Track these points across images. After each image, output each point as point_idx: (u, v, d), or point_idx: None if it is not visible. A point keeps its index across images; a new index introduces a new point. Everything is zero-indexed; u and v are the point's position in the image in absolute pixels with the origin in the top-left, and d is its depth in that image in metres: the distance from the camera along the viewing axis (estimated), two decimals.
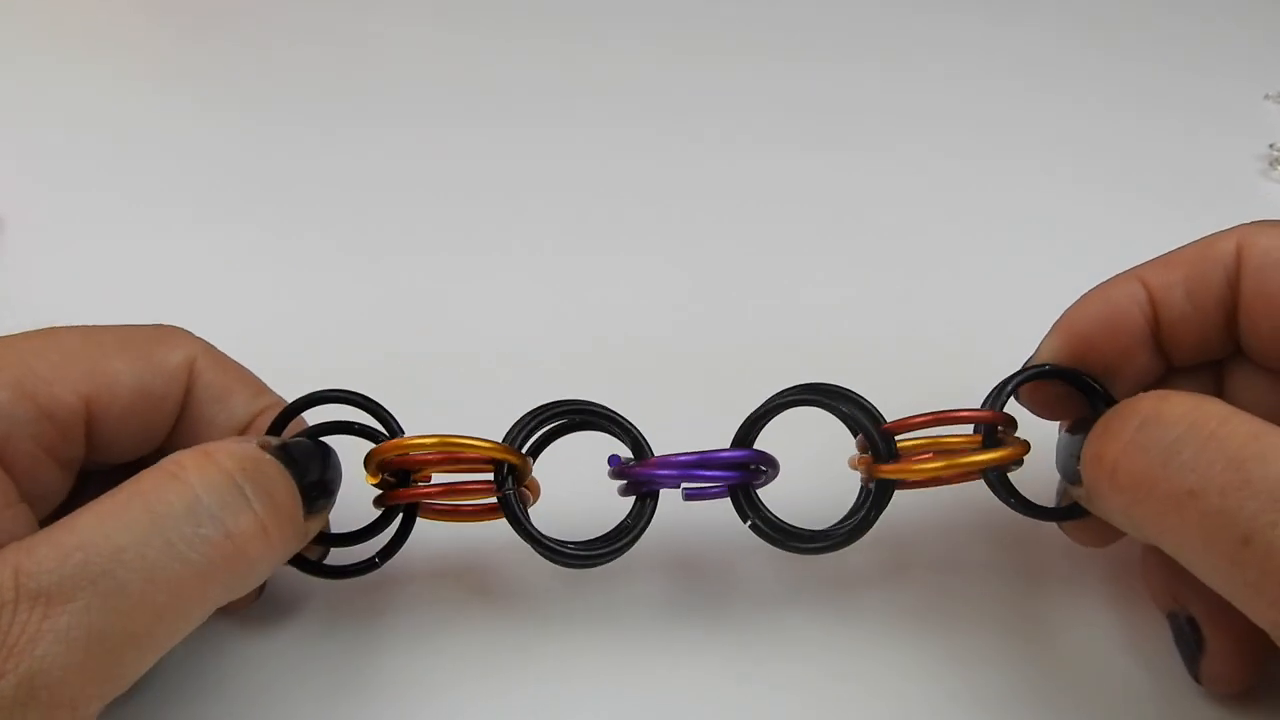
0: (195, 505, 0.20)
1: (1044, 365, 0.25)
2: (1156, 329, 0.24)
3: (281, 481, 0.22)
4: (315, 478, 0.23)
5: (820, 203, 0.41)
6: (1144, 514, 0.21)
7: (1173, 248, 0.24)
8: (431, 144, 0.45)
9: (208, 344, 0.26)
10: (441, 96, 0.48)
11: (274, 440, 0.23)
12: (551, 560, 0.25)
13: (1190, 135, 0.45)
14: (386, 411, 0.26)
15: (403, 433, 0.25)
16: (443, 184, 0.42)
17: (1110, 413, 0.22)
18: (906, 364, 0.34)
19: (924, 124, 0.45)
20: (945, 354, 0.34)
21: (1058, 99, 0.47)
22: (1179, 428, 0.20)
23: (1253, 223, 0.24)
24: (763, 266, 0.38)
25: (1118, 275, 0.25)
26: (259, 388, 0.26)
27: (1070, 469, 0.23)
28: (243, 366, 0.26)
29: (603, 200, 0.41)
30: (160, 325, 0.26)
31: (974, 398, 0.25)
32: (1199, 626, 0.23)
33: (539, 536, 0.25)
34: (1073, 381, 0.25)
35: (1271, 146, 0.43)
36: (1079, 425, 0.24)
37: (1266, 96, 0.47)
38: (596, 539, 0.25)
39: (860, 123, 0.46)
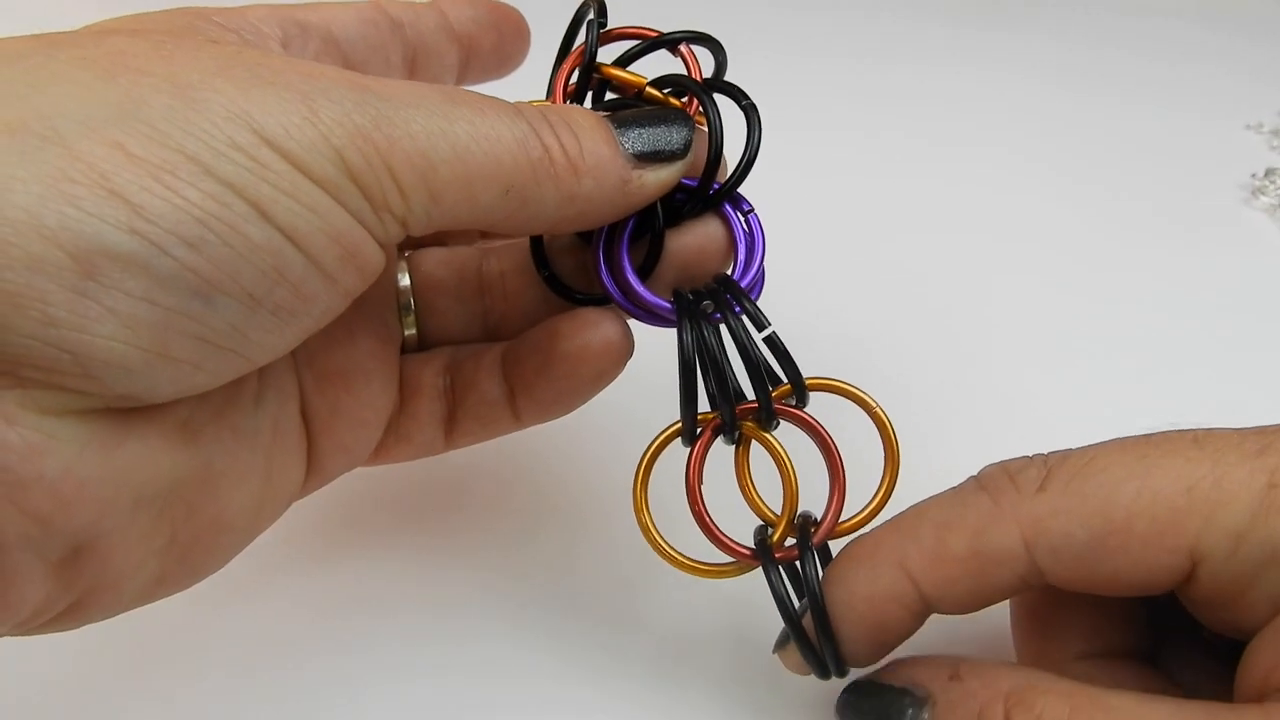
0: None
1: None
2: (927, 611, 0.22)
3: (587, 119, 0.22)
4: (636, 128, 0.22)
5: None
6: None
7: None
8: None
9: None
10: None
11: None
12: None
13: (1174, 165, 0.46)
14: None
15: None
16: None
17: None
18: None
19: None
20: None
21: (1045, 131, 0.49)
22: None
23: (1000, 474, 0.21)
24: None
25: (880, 558, 0.21)
26: None
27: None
28: None
29: None
30: None
31: None
32: None
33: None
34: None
35: (1253, 176, 0.45)
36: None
37: (1248, 127, 0.49)
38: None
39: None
